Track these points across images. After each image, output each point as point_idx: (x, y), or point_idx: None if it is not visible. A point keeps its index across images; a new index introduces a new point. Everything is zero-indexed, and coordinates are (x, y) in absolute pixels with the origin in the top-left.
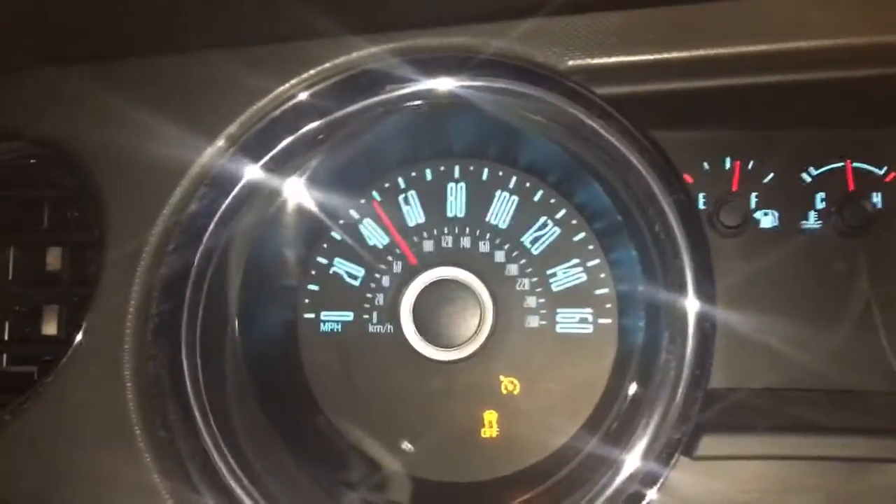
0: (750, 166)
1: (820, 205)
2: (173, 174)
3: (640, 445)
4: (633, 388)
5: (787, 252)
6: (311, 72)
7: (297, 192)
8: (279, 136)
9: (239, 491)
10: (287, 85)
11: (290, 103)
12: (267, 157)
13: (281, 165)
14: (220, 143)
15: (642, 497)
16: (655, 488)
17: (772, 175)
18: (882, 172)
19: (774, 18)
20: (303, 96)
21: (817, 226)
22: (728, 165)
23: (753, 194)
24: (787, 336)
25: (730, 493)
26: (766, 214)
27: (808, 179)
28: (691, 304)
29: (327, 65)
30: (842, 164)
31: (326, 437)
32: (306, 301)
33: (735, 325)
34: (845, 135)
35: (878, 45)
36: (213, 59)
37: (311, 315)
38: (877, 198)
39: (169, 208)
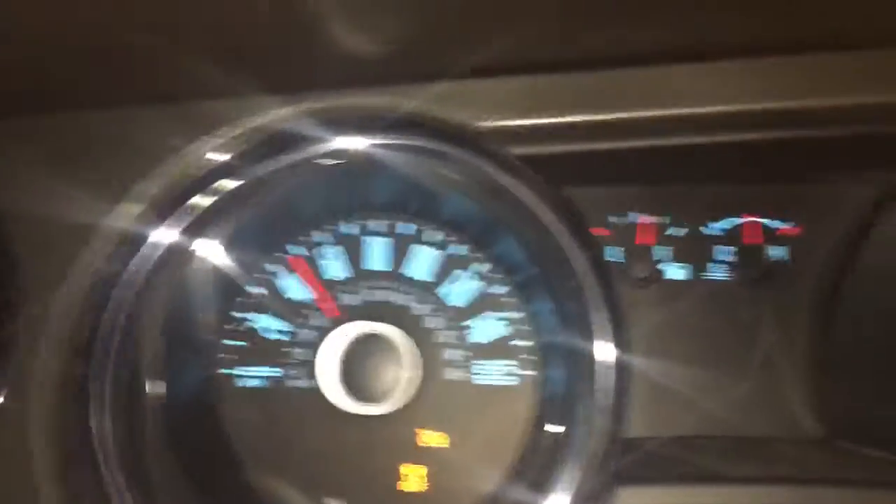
0: (658, 220)
1: (725, 256)
2: (83, 233)
3: (561, 498)
4: (554, 440)
5: (694, 302)
6: (225, 132)
7: (211, 251)
8: (189, 196)
9: None
10: (199, 144)
11: (202, 164)
12: (178, 217)
13: (192, 225)
14: (130, 202)
15: None
16: None
17: (678, 228)
18: (784, 226)
19: (674, 86)
20: (215, 156)
21: (722, 277)
22: (637, 220)
23: (662, 247)
24: (696, 384)
25: None
26: (673, 266)
27: (713, 232)
28: (606, 356)
29: (241, 125)
30: (745, 218)
31: (248, 495)
32: (223, 357)
33: (648, 375)
34: (748, 190)
35: (769, 111)
36: (123, 117)
37: (229, 371)
38: (779, 250)
39: (79, 268)
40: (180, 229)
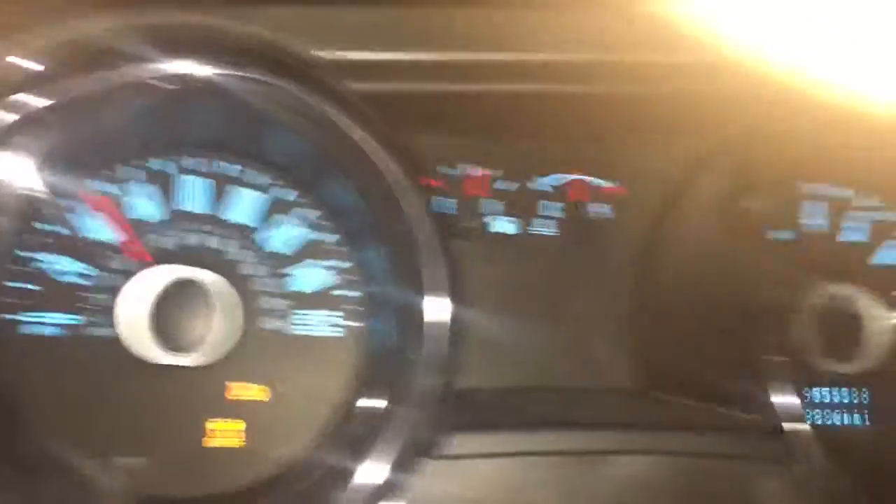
0: (492, 173)
1: (551, 212)
2: None
3: (388, 449)
4: (381, 392)
5: (520, 256)
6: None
7: (6, 171)
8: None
9: None
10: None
11: (21, 71)
12: None
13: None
14: None
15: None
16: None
17: (507, 182)
18: (608, 185)
19: (521, 29)
20: (32, 65)
21: (548, 232)
22: (466, 172)
23: (493, 201)
24: (519, 337)
25: (469, 492)
26: (505, 221)
27: (541, 188)
28: (439, 308)
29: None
30: (573, 175)
31: (34, 455)
32: (8, 300)
33: (475, 327)
34: (581, 148)
35: (606, 64)
36: None
37: (12, 316)
38: (603, 209)
39: None
40: None
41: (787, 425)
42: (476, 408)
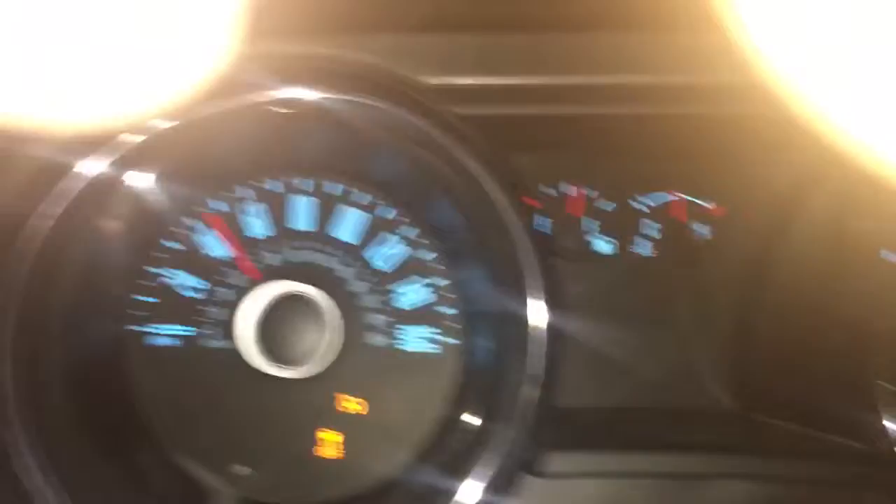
0: (592, 194)
1: (650, 232)
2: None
3: (487, 468)
4: (480, 410)
5: (620, 276)
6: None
7: (134, 191)
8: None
9: None
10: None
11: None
12: (105, 151)
13: (119, 161)
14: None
15: None
16: None
17: (607, 202)
18: (710, 206)
19: (619, 52)
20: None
21: (651, 253)
22: (566, 191)
23: (594, 221)
24: (621, 356)
25: None
26: (603, 240)
27: (641, 207)
28: (539, 325)
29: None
30: (673, 195)
31: (158, 462)
32: (134, 313)
33: (574, 346)
34: (681, 168)
35: (705, 86)
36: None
37: (140, 328)
38: (703, 229)
39: None
40: (107, 163)
41: None
42: (575, 427)
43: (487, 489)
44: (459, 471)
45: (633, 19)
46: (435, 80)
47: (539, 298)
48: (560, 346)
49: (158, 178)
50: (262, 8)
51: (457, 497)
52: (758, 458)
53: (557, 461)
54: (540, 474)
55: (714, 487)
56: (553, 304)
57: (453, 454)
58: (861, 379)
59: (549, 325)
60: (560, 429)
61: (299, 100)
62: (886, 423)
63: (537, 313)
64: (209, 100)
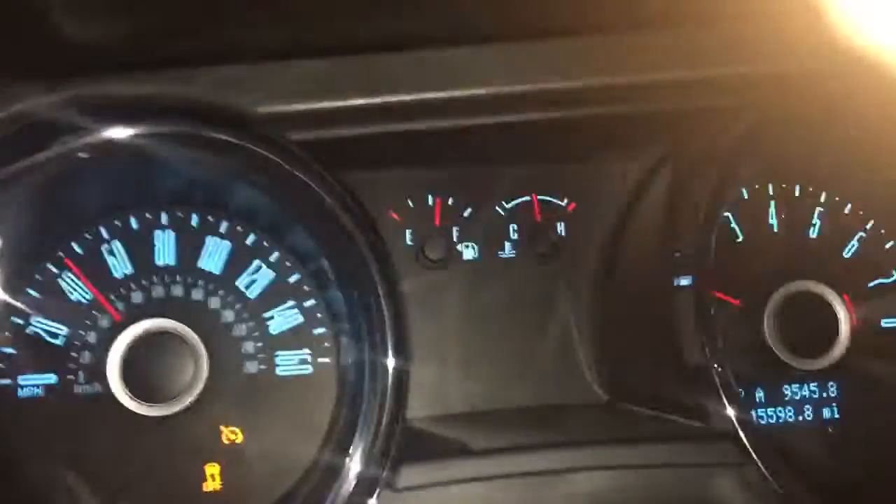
0: (450, 202)
1: (514, 235)
2: None
3: (350, 479)
4: (344, 425)
5: (489, 281)
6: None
7: None
8: None
9: None
10: None
11: None
12: None
13: None
14: None
15: None
16: None
17: (470, 210)
18: (564, 204)
19: (454, 67)
20: None
21: (513, 255)
22: (431, 202)
23: (455, 228)
24: (494, 359)
25: None
26: (467, 247)
27: (502, 212)
28: (388, 359)
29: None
30: (531, 197)
31: None
32: (2, 366)
33: (443, 354)
34: (532, 170)
35: (543, 92)
36: None
37: (7, 381)
38: (560, 227)
39: None
40: None
41: (738, 428)
42: (434, 436)
43: (356, 495)
44: (332, 484)
45: (460, 34)
46: (265, 109)
47: (388, 320)
48: (405, 376)
49: (12, 226)
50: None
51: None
52: (612, 448)
53: (411, 474)
54: (395, 489)
55: (578, 481)
56: (400, 324)
57: (326, 468)
58: (702, 361)
59: (395, 363)
60: (415, 440)
61: (125, 141)
62: (726, 402)
63: (387, 335)
64: (21, 151)
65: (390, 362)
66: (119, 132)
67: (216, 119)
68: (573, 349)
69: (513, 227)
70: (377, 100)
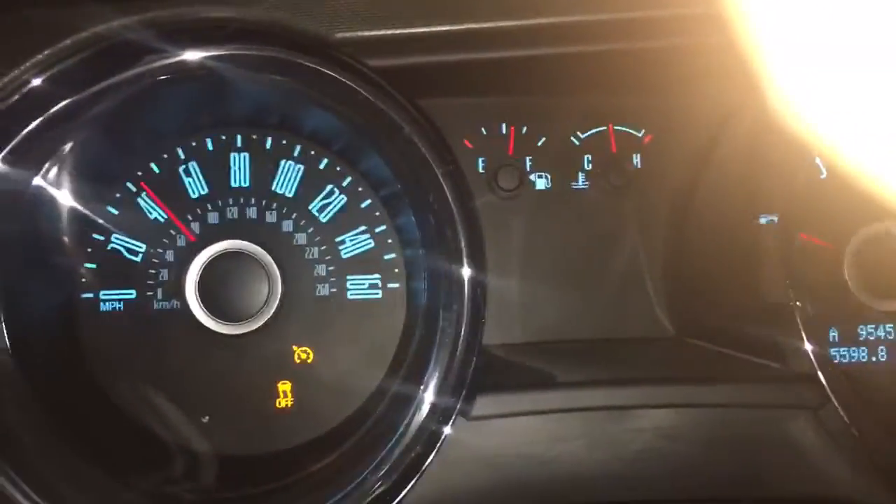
0: (524, 131)
1: (587, 166)
2: None
3: (424, 408)
4: (417, 351)
5: (561, 211)
6: (52, 49)
7: (71, 159)
8: (22, 122)
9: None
10: (25, 66)
11: (29, 86)
12: (10, 147)
13: (20, 149)
14: None
15: (425, 456)
16: (435, 449)
17: (544, 139)
18: (640, 135)
19: None
20: (39, 81)
21: (586, 186)
22: (504, 131)
23: (528, 158)
24: (563, 291)
25: (503, 448)
26: (540, 177)
27: (577, 143)
28: (464, 270)
29: (70, 40)
30: (605, 128)
31: (113, 425)
32: (84, 280)
33: (512, 283)
34: (608, 101)
35: (624, 21)
36: None
37: (90, 295)
38: (636, 158)
39: None
40: (9, 162)
41: (817, 368)
42: (504, 365)
43: (432, 420)
44: (406, 406)
45: None
46: (346, 34)
47: (464, 246)
48: (483, 293)
49: (95, 141)
50: None
51: (409, 430)
52: (690, 386)
53: (485, 404)
54: (474, 417)
55: (643, 416)
56: (477, 251)
57: (399, 395)
58: (779, 300)
59: (473, 273)
60: (492, 370)
61: (201, 63)
62: (804, 342)
63: (463, 261)
64: (101, 73)
65: (467, 284)
66: (196, 54)
67: (294, 43)
68: (643, 282)
69: (587, 157)
70: (456, 27)
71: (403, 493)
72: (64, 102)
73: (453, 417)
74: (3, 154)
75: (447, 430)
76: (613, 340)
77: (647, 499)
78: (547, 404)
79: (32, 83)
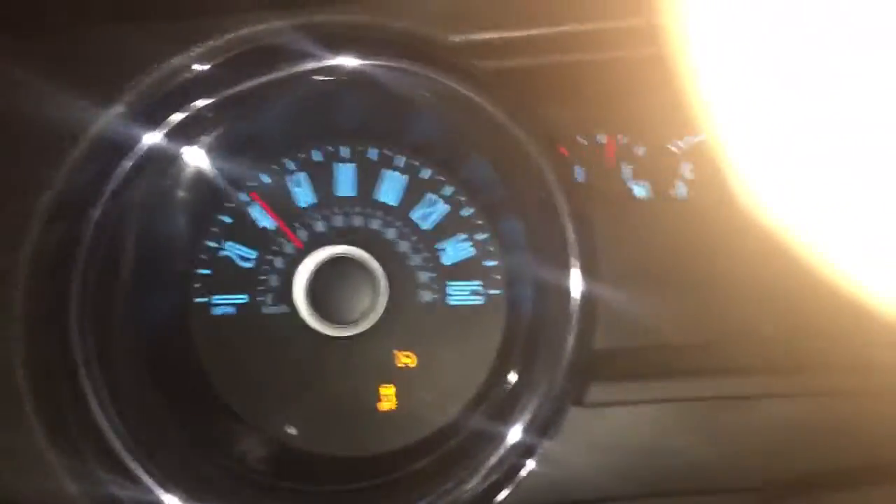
0: (623, 140)
1: (689, 175)
2: (63, 140)
3: (526, 415)
4: (523, 356)
5: (661, 220)
6: (213, 43)
7: (188, 166)
8: (177, 105)
9: (134, 467)
10: (189, 55)
11: (191, 74)
12: (163, 125)
13: (177, 134)
14: (117, 109)
15: (533, 449)
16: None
17: (643, 148)
18: None
19: None
20: (203, 67)
21: (685, 195)
22: (603, 140)
23: (626, 166)
24: (663, 297)
25: (620, 437)
26: (638, 185)
27: (677, 151)
28: (575, 275)
29: (229, 36)
30: (703, 136)
31: (221, 417)
32: (197, 286)
33: (615, 291)
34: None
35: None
36: (113, 32)
37: (204, 299)
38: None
39: (59, 176)
40: (164, 137)
41: None
42: (615, 361)
43: (531, 430)
44: (507, 415)
45: None
46: (457, 38)
47: (575, 250)
48: (594, 300)
49: (209, 154)
50: None
51: (506, 440)
52: (796, 376)
53: (598, 392)
54: (583, 404)
55: (758, 407)
56: (588, 255)
57: (500, 400)
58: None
59: (585, 277)
60: (601, 366)
61: (337, 67)
62: None
63: (574, 265)
64: (251, 72)
65: (577, 287)
66: (336, 60)
67: (418, 51)
68: (743, 295)
69: (688, 166)
70: (564, 28)
71: (500, 497)
72: (221, 93)
73: (567, 408)
74: (160, 128)
75: (561, 420)
76: (715, 342)
77: (762, 487)
78: (660, 394)
79: (200, 68)
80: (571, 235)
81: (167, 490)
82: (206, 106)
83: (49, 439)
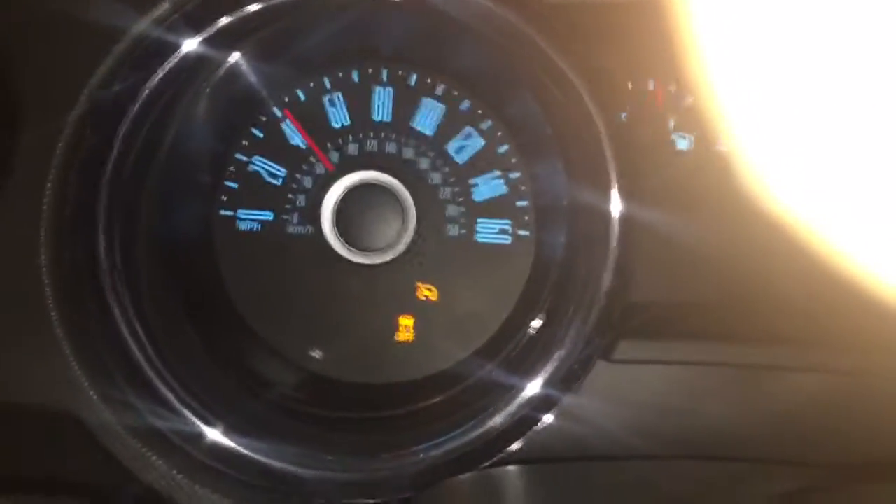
0: (671, 89)
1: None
2: (102, 44)
3: (556, 360)
4: (549, 300)
5: (701, 172)
6: None
7: (228, 75)
8: (227, 8)
9: (157, 382)
10: None
11: None
12: (209, 29)
13: (220, 40)
14: (163, 9)
15: (553, 402)
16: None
17: (691, 98)
18: None
19: None
20: None
21: (726, 147)
22: (651, 86)
23: (671, 115)
24: (701, 253)
25: (648, 396)
26: (682, 137)
27: (723, 105)
28: (615, 215)
29: None
30: None
31: (242, 335)
32: (224, 198)
33: (651, 241)
34: None
35: None
36: None
37: (229, 213)
38: None
39: (95, 82)
40: (204, 41)
41: None
42: (646, 317)
43: (557, 380)
44: (528, 365)
45: None
46: None
47: (615, 189)
48: (634, 238)
49: (248, 63)
50: None
51: (525, 390)
52: (827, 351)
53: (627, 348)
54: (610, 360)
55: (785, 379)
56: (629, 194)
57: (522, 345)
58: None
59: (625, 216)
60: (631, 318)
61: None
62: None
63: (614, 203)
64: None
65: (617, 221)
66: None
67: None
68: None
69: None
70: None
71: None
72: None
73: (593, 361)
74: (202, 34)
75: (583, 377)
76: (747, 304)
77: (781, 459)
78: (699, 355)
79: None
80: (612, 161)
81: (184, 405)
82: (256, 12)
83: (74, 353)
